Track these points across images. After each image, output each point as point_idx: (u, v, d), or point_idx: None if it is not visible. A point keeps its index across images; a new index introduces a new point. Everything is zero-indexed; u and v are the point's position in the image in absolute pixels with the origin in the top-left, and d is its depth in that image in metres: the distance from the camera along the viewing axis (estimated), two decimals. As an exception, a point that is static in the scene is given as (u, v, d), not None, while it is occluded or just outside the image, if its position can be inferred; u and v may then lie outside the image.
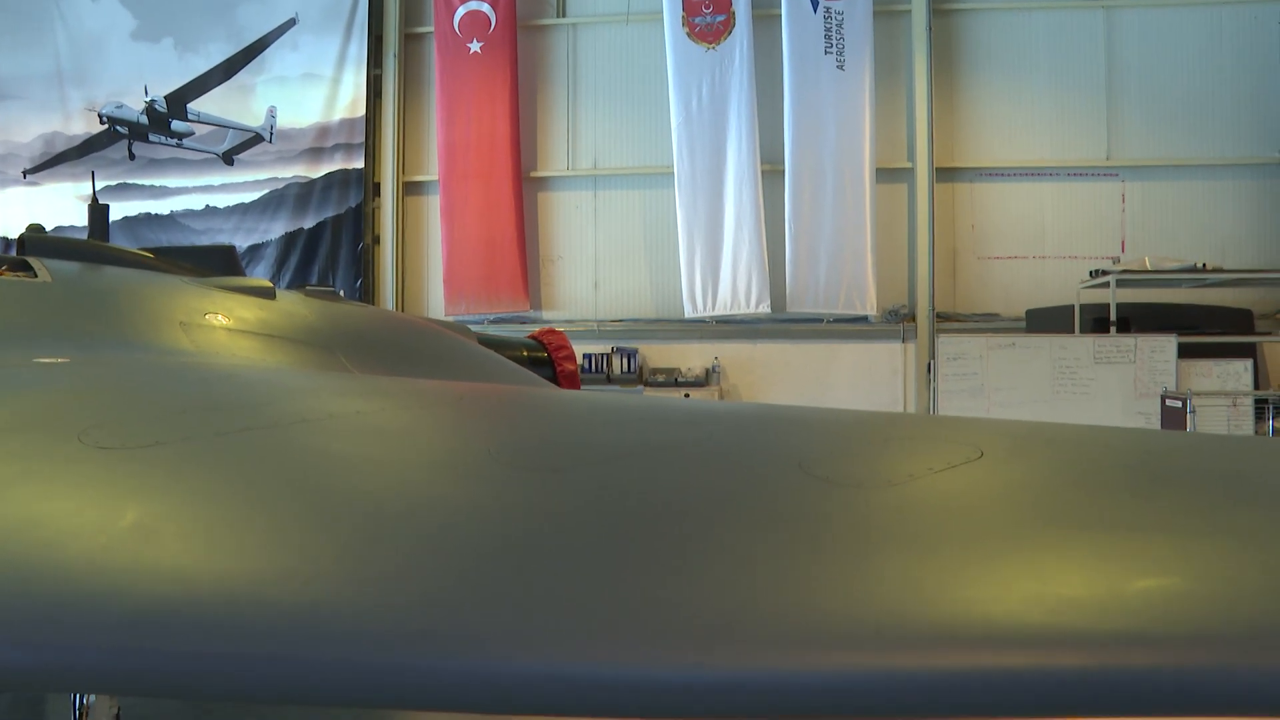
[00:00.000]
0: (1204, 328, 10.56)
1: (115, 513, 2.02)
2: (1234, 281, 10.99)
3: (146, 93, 14.07)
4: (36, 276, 4.57)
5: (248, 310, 4.97)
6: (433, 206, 13.53)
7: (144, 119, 14.12)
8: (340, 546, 1.88)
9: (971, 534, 1.99)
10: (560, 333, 7.12)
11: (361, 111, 13.50)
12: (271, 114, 13.75)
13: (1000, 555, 1.86)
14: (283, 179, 13.72)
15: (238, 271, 6.14)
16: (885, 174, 12.70)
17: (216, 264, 5.88)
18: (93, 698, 4.15)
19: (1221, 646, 1.42)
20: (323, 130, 13.62)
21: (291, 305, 5.38)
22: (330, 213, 13.47)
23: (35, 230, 5.51)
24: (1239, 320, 11.31)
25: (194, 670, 1.59)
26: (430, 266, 13.46)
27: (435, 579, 1.78)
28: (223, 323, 4.73)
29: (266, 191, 13.66)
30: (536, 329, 7.59)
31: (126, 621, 1.63)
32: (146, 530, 1.97)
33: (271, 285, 5.48)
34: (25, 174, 14.59)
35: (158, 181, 14.04)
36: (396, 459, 2.53)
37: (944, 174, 12.81)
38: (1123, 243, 12.47)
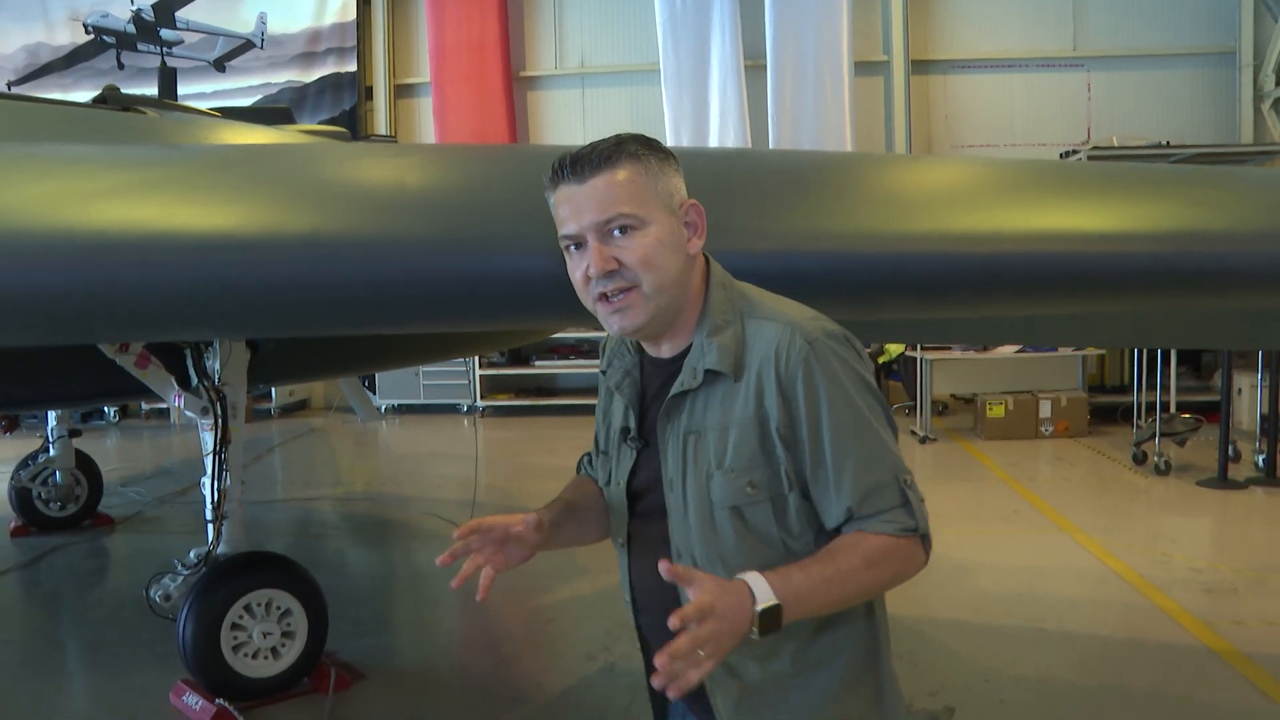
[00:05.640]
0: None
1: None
2: (1194, 158, 11.64)
3: (133, 1, 14.16)
4: (146, 115, 5.01)
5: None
6: (425, 108, 13.84)
7: (131, 28, 14.23)
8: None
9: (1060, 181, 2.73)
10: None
11: (352, 16, 13.71)
12: (262, 20, 13.93)
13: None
14: (275, 84, 13.94)
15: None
16: (863, 67, 13.16)
17: (276, 122, 6.30)
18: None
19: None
20: (314, 35, 13.84)
21: (365, 146, 5.85)
22: (324, 116, 13.72)
23: (112, 90, 5.88)
24: (1199, 198, 11.97)
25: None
26: (423, 167, 13.76)
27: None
28: (313, 156, 5.19)
29: (260, 97, 13.83)
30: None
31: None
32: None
33: (348, 131, 5.94)
34: (10, 86, 14.63)
35: (148, 90, 14.14)
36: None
37: (918, 66, 13.31)
38: (1088, 130, 13.07)
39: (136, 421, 13.20)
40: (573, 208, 1.65)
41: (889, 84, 13.32)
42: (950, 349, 10.61)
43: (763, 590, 1.49)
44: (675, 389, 1.70)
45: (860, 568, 1.59)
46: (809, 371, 1.62)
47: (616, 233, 1.63)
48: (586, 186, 1.64)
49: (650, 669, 1.86)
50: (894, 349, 11.75)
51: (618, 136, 1.69)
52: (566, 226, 1.67)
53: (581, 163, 1.65)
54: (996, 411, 10.24)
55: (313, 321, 2.81)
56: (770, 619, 1.48)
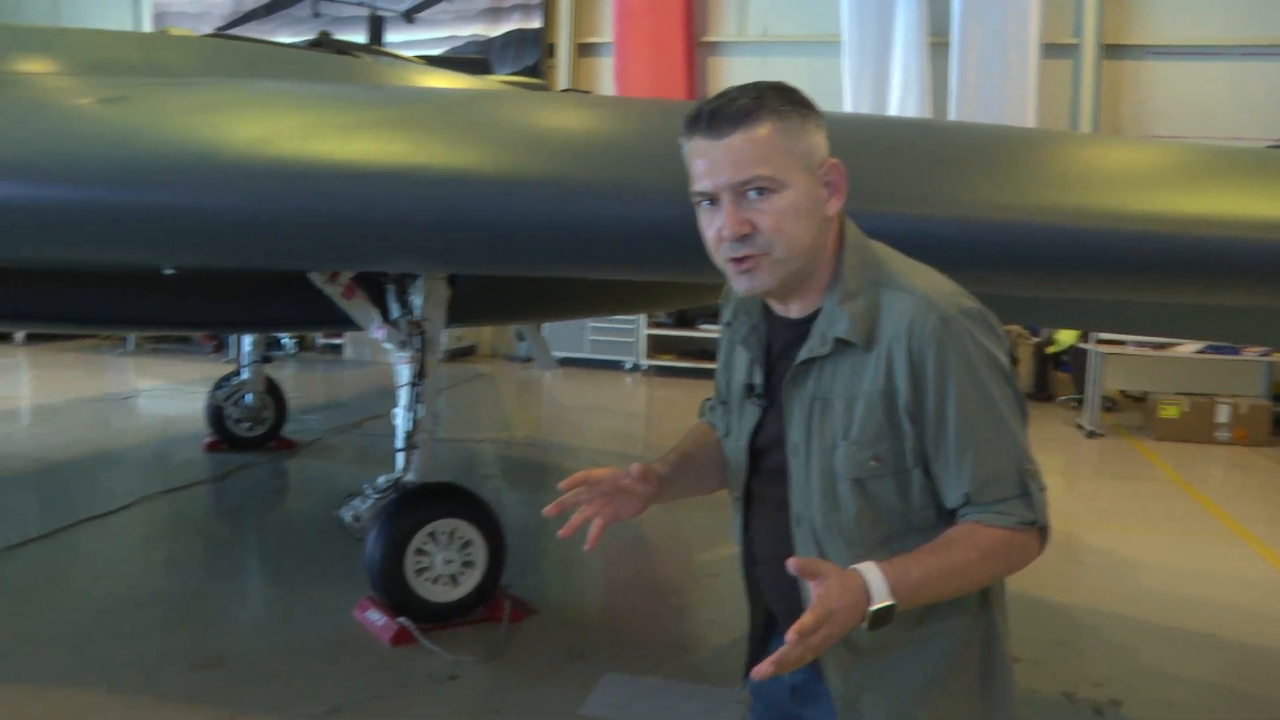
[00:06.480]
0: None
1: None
2: None
3: (331, -50, 14.69)
4: (359, 58, 5.24)
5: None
6: (606, 68, 13.99)
7: (330, -23, 14.77)
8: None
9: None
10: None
11: (540, -28, 13.96)
12: (452, -27, 14.29)
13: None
14: (461, 37, 14.30)
15: (494, 80, 6.74)
16: (1051, 49, 12.75)
17: (475, 72, 6.50)
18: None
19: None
20: (501, -10, 14.15)
21: (565, 96, 6.01)
22: (507, 71, 13.98)
23: (325, 35, 6.16)
24: None
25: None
26: (599, 127, 13.91)
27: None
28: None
29: (446, 49, 14.19)
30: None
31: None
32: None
33: (545, 83, 6.09)
34: (217, 30, 15.39)
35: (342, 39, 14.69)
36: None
37: (1110, 51, 12.82)
38: (1294, 127, 12.40)
39: (311, 355, 13.83)
40: (708, 164, 1.59)
41: (1077, 68, 12.88)
42: (1124, 343, 10.27)
43: (879, 589, 1.50)
44: (803, 355, 1.67)
45: (975, 561, 1.59)
46: (941, 349, 1.58)
47: (752, 194, 1.58)
48: (724, 143, 1.57)
49: (758, 617, 1.91)
50: (1065, 338, 11.43)
51: (757, 88, 1.60)
52: (700, 183, 1.61)
53: (719, 116, 1.57)
54: (1169, 412, 9.89)
55: (540, 260, 2.93)
56: (882, 618, 1.50)
